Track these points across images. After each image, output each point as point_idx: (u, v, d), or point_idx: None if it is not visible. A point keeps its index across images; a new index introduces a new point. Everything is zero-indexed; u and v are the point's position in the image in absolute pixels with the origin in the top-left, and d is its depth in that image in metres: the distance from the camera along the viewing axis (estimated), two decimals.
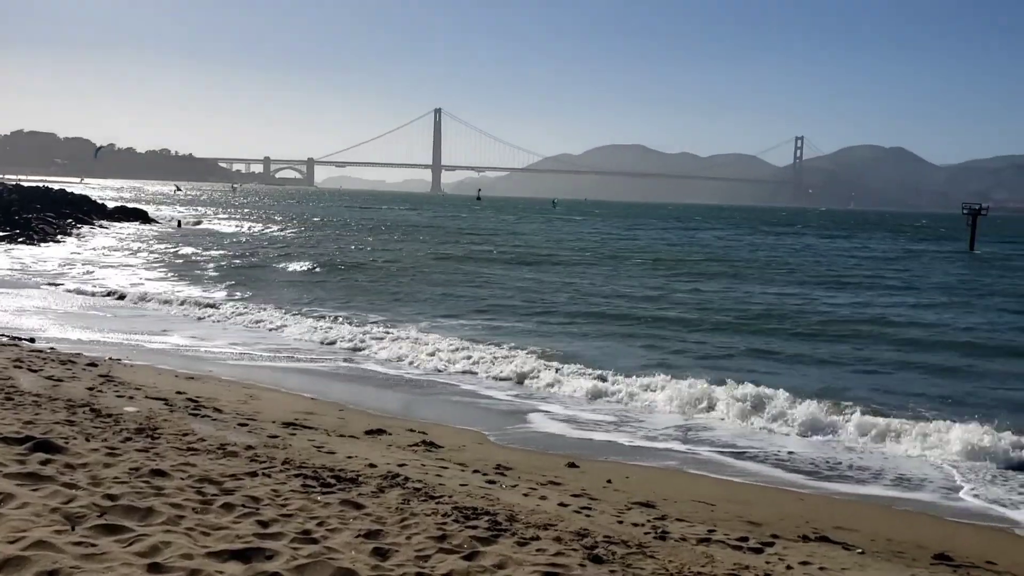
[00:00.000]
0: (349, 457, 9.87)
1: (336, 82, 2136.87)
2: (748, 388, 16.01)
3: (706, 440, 13.88)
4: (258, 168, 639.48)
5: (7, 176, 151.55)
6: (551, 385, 17.25)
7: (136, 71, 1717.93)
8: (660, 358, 20.31)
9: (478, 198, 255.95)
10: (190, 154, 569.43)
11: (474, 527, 6.55)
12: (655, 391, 16.46)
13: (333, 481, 7.71)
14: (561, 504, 8.90)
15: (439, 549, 5.85)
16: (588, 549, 6.28)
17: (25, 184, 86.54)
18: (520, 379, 17.79)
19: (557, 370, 18.07)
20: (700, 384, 16.26)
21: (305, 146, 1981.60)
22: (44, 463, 7.10)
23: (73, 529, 5.52)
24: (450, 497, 7.65)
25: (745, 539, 8.43)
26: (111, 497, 6.26)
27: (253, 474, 7.69)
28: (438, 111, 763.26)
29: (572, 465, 11.63)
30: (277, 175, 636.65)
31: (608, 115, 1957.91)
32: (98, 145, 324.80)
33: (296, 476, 7.80)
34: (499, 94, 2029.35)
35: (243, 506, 6.45)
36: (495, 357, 19.30)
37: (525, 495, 9.19)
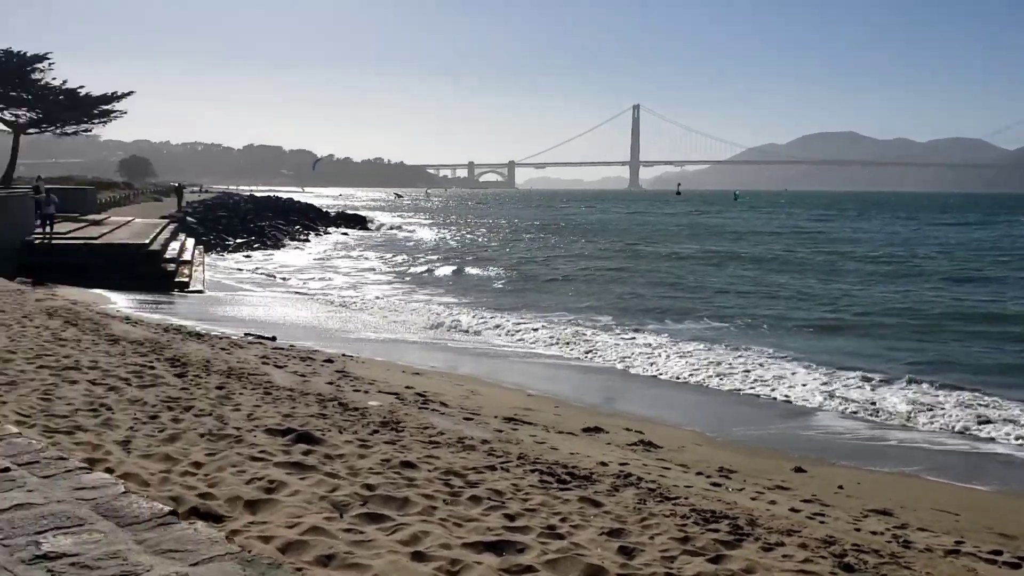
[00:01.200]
0: (572, 454, 10.04)
1: (537, 85, 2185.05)
2: None
3: None
4: (463, 173, 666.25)
5: (241, 186, 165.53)
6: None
7: (352, 87, 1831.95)
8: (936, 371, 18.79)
9: (678, 193, 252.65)
10: (401, 162, 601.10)
11: (715, 530, 6.49)
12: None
13: (568, 478, 7.87)
14: (792, 510, 8.64)
15: (683, 551, 5.84)
16: (837, 558, 6.08)
17: (257, 194, 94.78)
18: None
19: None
20: None
21: (507, 149, 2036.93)
22: (306, 453, 7.69)
23: (341, 516, 5.96)
24: (685, 499, 7.62)
25: (999, 552, 7.85)
26: (369, 487, 6.68)
27: (492, 468, 7.99)
28: (636, 107, 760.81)
29: (799, 470, 11.25)
30: (480, 178, 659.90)
31: (816, 101, 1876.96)
32: (317, 157, 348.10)
33: (532, 471, 8.04)
34: (698, 86, 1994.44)
35: (488, 499, 6.71)
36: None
37: (753, 499, 8.99)
